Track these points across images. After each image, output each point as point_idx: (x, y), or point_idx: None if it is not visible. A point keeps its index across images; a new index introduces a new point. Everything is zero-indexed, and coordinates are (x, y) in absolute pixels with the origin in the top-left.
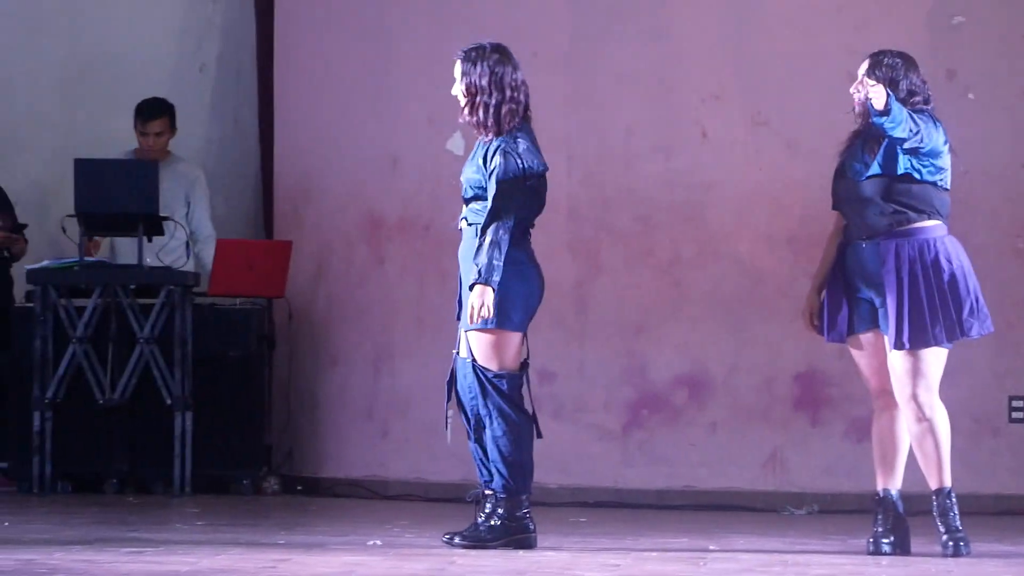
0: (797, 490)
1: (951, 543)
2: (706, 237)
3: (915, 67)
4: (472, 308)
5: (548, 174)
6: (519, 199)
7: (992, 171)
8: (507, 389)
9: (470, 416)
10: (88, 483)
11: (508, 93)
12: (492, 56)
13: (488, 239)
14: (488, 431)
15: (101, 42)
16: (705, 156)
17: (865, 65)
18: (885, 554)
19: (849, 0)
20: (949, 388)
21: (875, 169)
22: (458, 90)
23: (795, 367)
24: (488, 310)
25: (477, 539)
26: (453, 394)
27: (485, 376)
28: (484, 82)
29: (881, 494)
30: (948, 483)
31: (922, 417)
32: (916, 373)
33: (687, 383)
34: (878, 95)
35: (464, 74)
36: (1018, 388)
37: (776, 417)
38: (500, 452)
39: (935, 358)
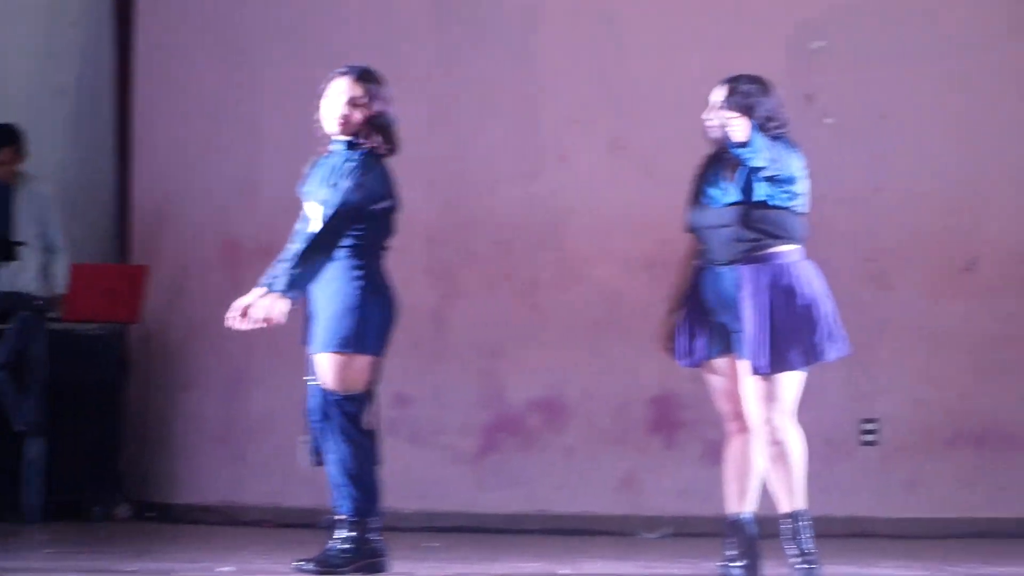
0: (651, 514)
1: (803, 565)
2: (565, 261)
3: (771, 91)
4: (242, 305)
5: (408, 197)
6: (352, 223)
7: (849, 195)
8: (353, 411)
9: (317, 438)
10: None
11: (383, 108)
12: (382, 78)
13: (301, 249)
14: (334, 454)
15: None
16: (565, 180)
17: (721, 92)
18: None
19: (708, 25)
20: (803, 411)
21: (732, 196)
22: (339, 103)
23: (651, 391)
24: (262, 314)
25: (328, 564)
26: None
27: (331, 399)
28: (378, 101)
29: (734, 517)
30: (801, 506)
31: (776, 440)
32: (771, 397)
33: (543, 407)
34: (738, 128)
35: (364, 91)
36: (869, 411)
37: (631, 441)
38: (347, 475)
39: (790, 382)
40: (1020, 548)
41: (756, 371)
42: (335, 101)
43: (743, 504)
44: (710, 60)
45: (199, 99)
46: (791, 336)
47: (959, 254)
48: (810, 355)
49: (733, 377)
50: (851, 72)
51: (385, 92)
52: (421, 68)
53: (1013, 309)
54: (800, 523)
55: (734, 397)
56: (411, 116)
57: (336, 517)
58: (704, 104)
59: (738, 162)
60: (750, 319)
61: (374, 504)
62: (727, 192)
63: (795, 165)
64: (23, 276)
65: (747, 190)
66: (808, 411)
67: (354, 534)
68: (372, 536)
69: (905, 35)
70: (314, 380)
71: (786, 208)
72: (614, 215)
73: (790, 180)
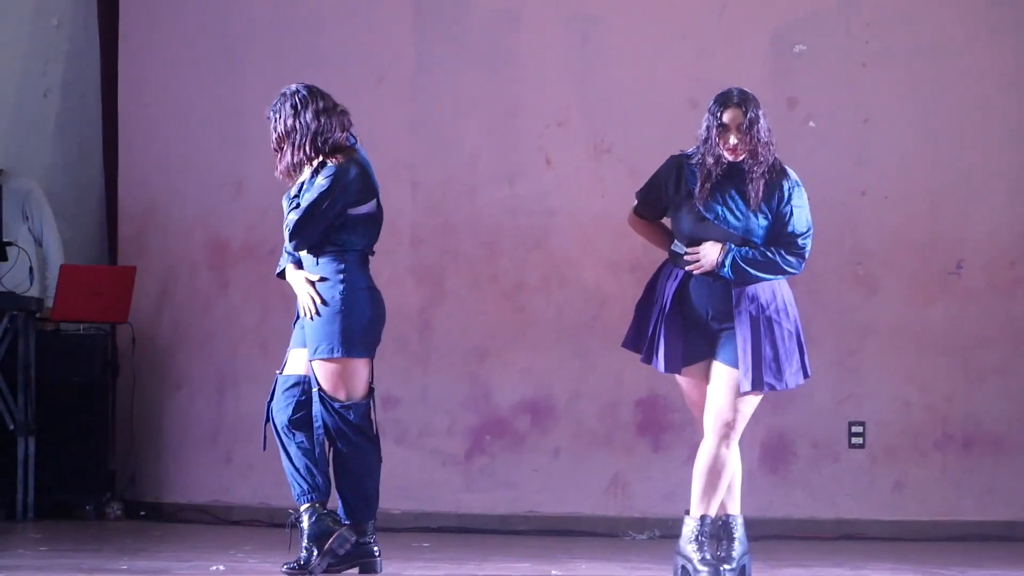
0: (639, 515)
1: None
2: (550, 263)
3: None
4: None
5: (392, 200)
6: (326, 221)
7: (833, 199)
8: (354, 419)
9: (316, 445)
10: None
11: (315, 123)
12: (293, 96)
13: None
14: (334, 458)
15: None
16: (549, 183)
17: (735, 114)
18: None
19: (692, 29)
20: (790, 414)
21: (744, 230)
22: (272, 144)
23: (637, 393)
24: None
25: (322, 565)
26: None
27: (332, 407)
28: (290, 122)
29: (724, 519)
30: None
31: (729, 446)
32: (746, 406)
33: (530, 408)
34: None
35: (273, 129)
36: (857, 414)
37: (618, 442)
38: (346, 480)
39: (759, 398)
40: (1007, 551)
41: (757, 387)
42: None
43: (731, 505)
44: (692, 63)
45: (184, 101)
46: (787, 357)
47: (945, 257)
48: (799, 376)
49: (705, 383)
50: (833, 76)
51: (302, 104)
52: (403, 71)
53: (999, 312)
54: (734, 525)
55: (704, 402)
56: (393, 119)
57: (300, 517)
58: (687, 106)
59: (748, 186)
60: (748, 337)
61: (371, 508)
62: (742, 225)
63: (805, 216)
64: (12, 277)
65: (758, 233)
66: (796, 414)
67: (349, 536)
68: (367, 538)
69: (886, 39)
70: (291, 379)
71: (794, 256)
72: (599, 217)
73: (804, 235)
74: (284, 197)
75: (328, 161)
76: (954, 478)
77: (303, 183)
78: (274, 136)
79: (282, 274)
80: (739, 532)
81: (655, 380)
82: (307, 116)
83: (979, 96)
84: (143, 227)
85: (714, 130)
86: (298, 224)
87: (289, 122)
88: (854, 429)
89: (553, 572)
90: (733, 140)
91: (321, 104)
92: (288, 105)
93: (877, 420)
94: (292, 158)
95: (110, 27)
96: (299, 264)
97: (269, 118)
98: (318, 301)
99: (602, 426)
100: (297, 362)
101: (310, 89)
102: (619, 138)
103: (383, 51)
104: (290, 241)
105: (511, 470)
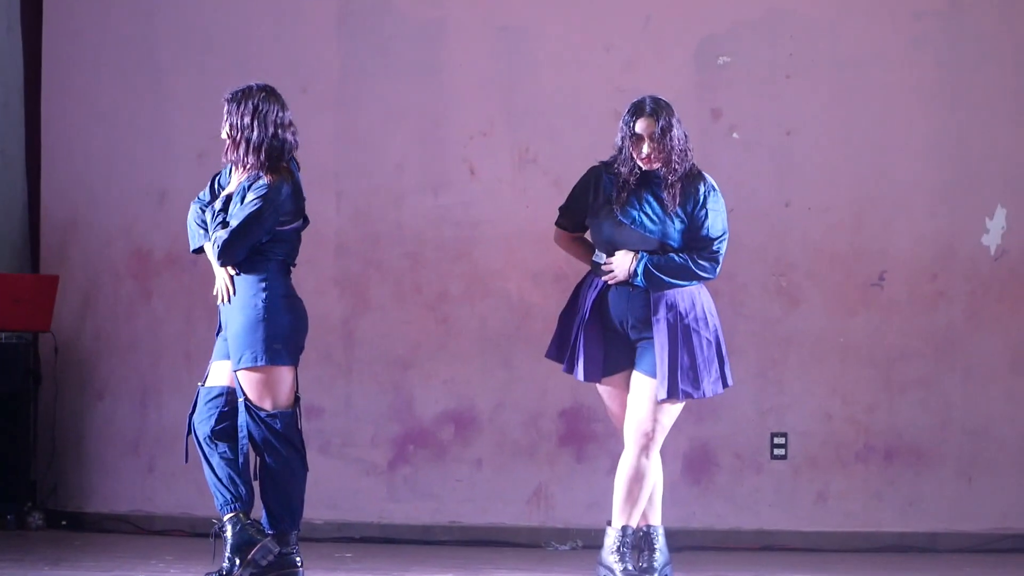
0: (561, 526)
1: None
2: (474, 274)
3: (675, 111)
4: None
5: (317, 210)
6: (256, 236)
7: (756, 209)
8: (281, 428)
9: (240, 455)
10: None
11: (271, 130)
12: (258, 95)
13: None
14: (260, 468)
15: None
16: (473, 193)
17: (648, 124)
18: None
19: (616, 40)
20: (713, 425)
21: (660, 234)
22: (224, 131)
23: (561, 403)
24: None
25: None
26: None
27: (258, 416)
28: (247, 120)
29: (645, 529)
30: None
31: (649, 456)
32: (666, 416)
33: (454, 419)
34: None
35: (228, 114)
36: (780, 425)
37: (541, 453)
38: (271, 490)
39: (679, 408)
40: (928, 562)
41: (673, 396)
42: (223, 128)
43: (652, 515)
44: (617, 74)
45: (108, 109)
46: (705, 365)
47: (867, 269)
48: (718, 385)
49: (626, 393)
50: (757, 88)
51: (264, 106)
52: (328, 80)
53: (921, 324)
54: (655, 536)
55: (623, 412)
56: (318, 128)
57: (224, 526)
58: (612, 117)
59: (660, 191)
60: (665, 345)
61: (295, 518)
62: (658, 229)
63: (721, 220)
64: None
65: (675, 237)
66: (719, 425)
67: (273, 546)
68: (289, 548)
69: (809, 51)
70: (214, 391)
71: (707, 260)
72: (523, 227)
73: (719, 239)
74: (209, 208)
75: (263, 176)
76: (875, 489)
77: (230, 195)
78: (227, 125)
79: (199, 249)
80: (660, 542)
81: (579, 391)
82: (266, 122)
83: (902, 109)
84: (66, 236)
85: (628, 140)
86: (227, 244)
87: (246, 119)
88: (776, 440)
89: None
90: (646, 149)
91: (280, 116)
92: (251, 103)
93: (799, 431)
94: (241, 154)
95: (33, 35)
96: None
97: (227, 102)
98: (231, 292)
99: (525, 437)
100: (220, 374)
101: (276, 96)
102: (544, 148)
103: (307, 60)
104: (218, 259)
105: (434, 480)
